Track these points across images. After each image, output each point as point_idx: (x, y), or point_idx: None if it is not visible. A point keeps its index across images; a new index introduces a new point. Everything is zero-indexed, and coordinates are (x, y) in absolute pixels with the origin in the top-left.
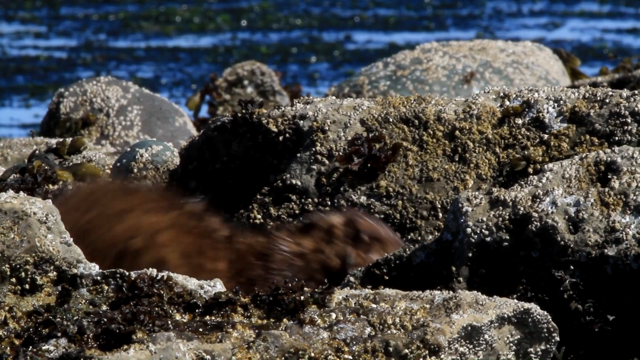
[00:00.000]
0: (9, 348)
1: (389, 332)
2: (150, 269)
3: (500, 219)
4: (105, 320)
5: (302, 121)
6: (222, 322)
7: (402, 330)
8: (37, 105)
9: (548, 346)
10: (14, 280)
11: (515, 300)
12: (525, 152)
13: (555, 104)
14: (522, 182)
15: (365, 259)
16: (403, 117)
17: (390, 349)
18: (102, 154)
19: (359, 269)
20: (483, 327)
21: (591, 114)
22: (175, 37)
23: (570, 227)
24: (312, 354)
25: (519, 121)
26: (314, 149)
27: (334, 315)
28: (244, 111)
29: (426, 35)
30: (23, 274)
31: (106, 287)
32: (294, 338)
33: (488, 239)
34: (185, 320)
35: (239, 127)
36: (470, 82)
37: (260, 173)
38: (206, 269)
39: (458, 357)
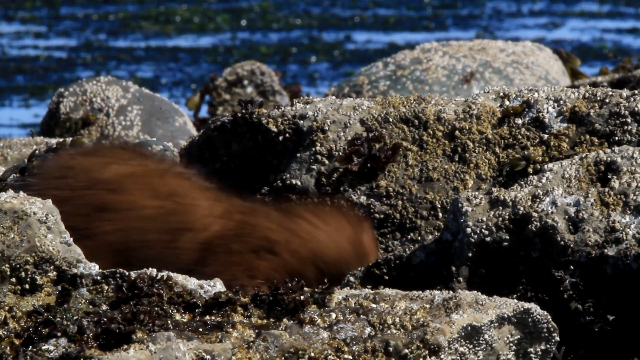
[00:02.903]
0: (9, 348)
1: (389, 332)
2: (150, 269)
3: (500, 219)
4: (105, 320)
5: (302, 121)
6: (222, 322)
7: (402, 330)
8: (37, 105)
9: (548, 346)
10: (14, 280)
11: (515, 300)
12: (525, 152)
13: (555, 104)
14: (522, 182)
15: None
16: (403, 117)
17: (390, 349)
18: None
19: (359, 268)
20: (483, 327)
21: (591, 114)
22: (175, 37)
23: (570, 227)
24: (312, 354)
25: (519, 121)
26: (313, 149)
27: (334, 315)
28: (243, 111)
29: (426, 35)
30: (23, 273)
31: (106, 287)
32: (294, 338)
33: (488, 239)
34: (185, 320)
35: (238, 127)
36: (470, 82)
37: (260, 173)
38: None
39: (458, 357)
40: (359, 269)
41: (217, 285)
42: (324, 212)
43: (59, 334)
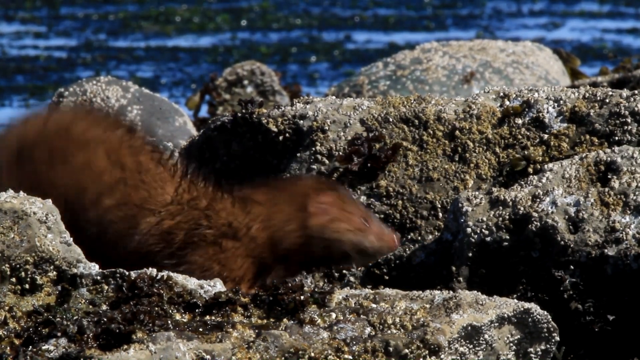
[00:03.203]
0: (9, 348)
1: (389, 332)
2: (150, 269)
3: (500, 219)
4: (105, 320)
5: (302, 121)
6: (222, 322)
7: (402, 330)
8: (37, 105)
9: (548, 346)
10: (14, 280)
11: (515, 300)
12: (525, 152)
13: (555, 104)
14: (522, 182)
15: None
16: (403, 117)
17: (390, 349)
18: None
19: (359, 268)
20: (483, 327)
21: (591, 114)
22: (175, 37)
23: (570, 227)
24: (312, 354)
25: (519, 121)
26: (313, 148)
27: (334, 315)
28: (243, 111)
29: (426, 35)
30: (23, 273)
31: (106, 287)
32: (294, 338)
33: (488, 239)
34: (185, 320)
35: (238, 127)
36: (470, 82)
37: (260, 173)
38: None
39: (458, 357)
40: (359, 268)
41: (217, 285)
42: (282, 197)
43: (59, 334)
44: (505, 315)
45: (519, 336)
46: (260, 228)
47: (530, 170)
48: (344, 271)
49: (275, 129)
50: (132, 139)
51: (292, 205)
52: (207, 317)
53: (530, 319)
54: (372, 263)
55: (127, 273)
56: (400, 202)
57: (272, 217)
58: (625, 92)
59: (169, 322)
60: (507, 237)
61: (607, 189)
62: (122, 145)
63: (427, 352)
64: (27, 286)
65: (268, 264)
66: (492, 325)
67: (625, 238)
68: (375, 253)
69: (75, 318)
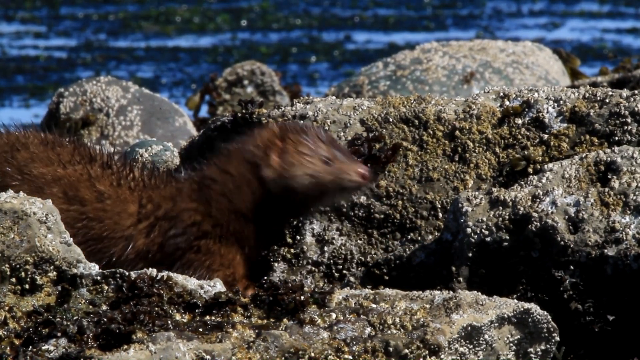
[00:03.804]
0: (9, 348)
1: (389, 332)
2: (150, 269)
3: (500, 219)
4: (105, 320)
5: (302, 121)
6: (222, 322)
7: (402, 330)
8: (37, 105)
9: (548, 346)
10: (14, 280)
11: (515, 300)
12: (525, 152)
13: (555, 104)
14: (522, 182)
15: None
16: (403, 117)
17: (390, 349)
18: None
19: (359, 269)
20: (483, 327)
21: (591, 114)
22: (175, 37)
23: (570, 227)
24: (312, 354)
25: (519, 121)
26: None
27: (334, 315)
28: (244, 111)
29: (426, 35)
30: (23, 274)
31: (106, 287)
32: (294, 338)
33: (488, 239)
34: (185, 320)
35: (239, 127)
36: (470, 82)
37: None
38: None
39: (458, 357)
40: (358, 269)
41: (217, 286)
42: (234, 161)
43: (59, 334)
44: (505, 315)
45: (519, 336)
46: (220, 208)
47: (530, 170)
48: (344, 271)
49: None
50: (90, 168)
51: (244, 165)
52: (207, 317)
53: (530, 319)
54: (372, 263)
55: (127, 273)
56: (400, 202)
57: (228, 189)
58: (625, 92)
59: (169, 322)
60: (507, 237)
61: (607, 189)
62: (79, 178)
63: (427, 352)
64: (27, 286)
65: (245, 234)
66: (492, 325)
67: (625, 238)
68: (342, 190)
69: (75, 318)
